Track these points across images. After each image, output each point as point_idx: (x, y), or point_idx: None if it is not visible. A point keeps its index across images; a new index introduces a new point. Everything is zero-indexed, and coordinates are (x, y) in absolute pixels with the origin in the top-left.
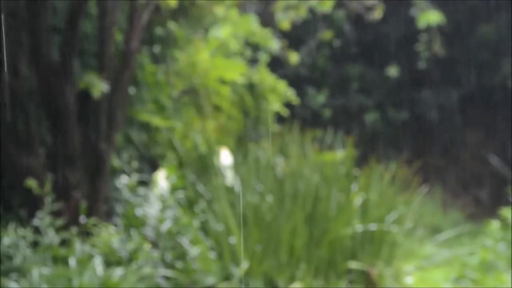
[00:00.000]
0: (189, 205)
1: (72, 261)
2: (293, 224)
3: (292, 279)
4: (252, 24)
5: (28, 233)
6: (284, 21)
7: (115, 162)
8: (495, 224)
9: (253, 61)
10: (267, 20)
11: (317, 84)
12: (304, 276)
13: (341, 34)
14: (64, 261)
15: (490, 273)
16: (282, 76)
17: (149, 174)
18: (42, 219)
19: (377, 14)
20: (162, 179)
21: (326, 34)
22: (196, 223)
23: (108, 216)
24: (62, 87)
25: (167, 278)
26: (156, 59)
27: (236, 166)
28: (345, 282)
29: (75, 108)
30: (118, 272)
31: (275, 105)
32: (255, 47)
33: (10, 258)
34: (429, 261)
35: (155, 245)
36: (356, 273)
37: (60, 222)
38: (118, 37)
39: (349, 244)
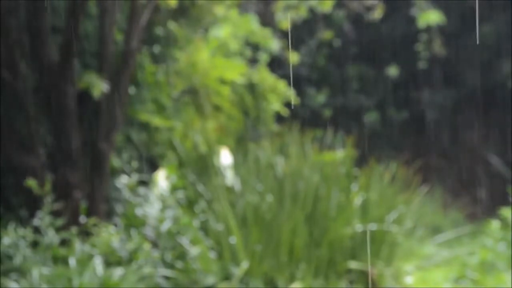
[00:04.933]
0: (189, 205)
1: (72, 261)
2: (293, 224)
3: (292, 279)
4: (252, 24)
5: (28, 233)
6: (284, 21)
7: (115, 162)
8: (495, 224)
9: (253, 61)
10: (267, 20)
11: (317, 84)
12: (304, 276)
13: (341, 34)
14: (64, 261)
15: (490, 273)
16: (282, 76)
17: (149, 174)
18: (42, 219)
19: (377, 14)
20: (162, 179)
21: (326, 34)
22: (196, 223)
23: (108, 216)
24: (62, 87)
25: (167, 278)
26: (156, 59)
27: (236, 166)
28: (345, 282)
29: (75, 108)
30: (118, 272)
31: (275, 105)
32: (255, 47)
33: (10, 258)
34: (429, 261)
35: (155, 245)
36: (356, 273)
37: (60, 222)
38: (118, 37)
39: (349, 244)
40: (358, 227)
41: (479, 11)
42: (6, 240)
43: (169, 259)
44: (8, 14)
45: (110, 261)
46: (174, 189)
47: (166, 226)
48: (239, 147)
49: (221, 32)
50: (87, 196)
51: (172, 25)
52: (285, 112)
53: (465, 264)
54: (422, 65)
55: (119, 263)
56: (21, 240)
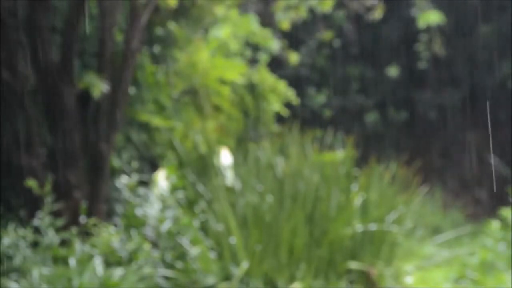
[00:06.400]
0: (189, 205)
1: (72, 261)
2: (293, 224)
3: (292, 279)
4: (252, 24)
5: (28, 233)
6: (284, 21)
7: (115, 162)
8: (495, 224)
9: (253, 61)
10: (267, 20)
11: (317, 84)
12: (304, 276)
13: (341, 34)
14: (64, 261)
15: (490, 273)
16: (282, 76)
17: (149, 174)
18: (42, 219)
19: (377, 14)
20: (162, 179)
21: (326, 34)
22: (196, 223)
23: (108, 216)
24: (62, 87)
25: (167, 278)
26: (156, 59)
27: (236, 166)
28: (345, 282)
29: (75, 108)
30: (118, 272)
31: (275, 105)
32: (255, 47)
33: (10, 258)
34: (429, 261)
35: (155, 245)
36: (356, 273)
37: (60, 222)
38: (118, 37)
39: (349, 244)
40: (358, 227)
41: (479, 11)
42: (6, 240)
43: (169, 259)
44: (8, 14)
45: (110, 261)
46: (174, 189)
47: (166, 226)
48: (239, 147)
49: (221, 32)
50: (87, 196)
51: (172, 25)
52: (285, 112)
53: (465, 264)
54: (422, 65)
55: (119, 263)
56: (21, 240)
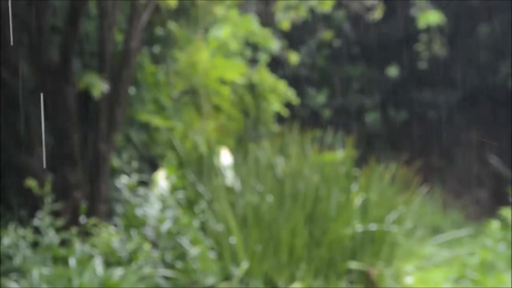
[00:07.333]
0: (189, 205)
1: (72, 261)
2: (293, 224)
3: (292, 279)
4: (252, 24)
5: (28, 233)
6: (284, 21)
7: (115, 162)
8: (495, 224)
9: (253, 61)
10: (267, 20)
11: (317, 84)
12: (304, 276)
13: (341, 34)
14: (64, 261)
15: (490, 273)
16: (282, 76)
17: (149, 174)
18: (42, 219)
19: (377, 14)
20: (162, 179)
21: (326, 34)
22: (196, 223)
23: (108, 216)
24: (62, 87)
25: (167, 278)
26: (156, 59)
27: (236, 166)
28: (345, 282)
29: (75, 108)
30: (118, 272)
31: (275, 105)
32: (255, 47)
33: (10, 258)
34: (429, 261)
35: (155, 245)
36: (356, 273)
37: (60, 222)
38: (118, 37)
39: (349, 244)
40: (358, 227)
41: (479, 11)
42: (6, 240)
43: (169, 259)
44: (8, 14)
45: (110, 261)
46: (174, 189)
47: (166, 226)
48: (239, 147)
49: (221, 32)
50: (87, 196)
51: (172, 25)
52: (285, 112)
53: (465, 264)
54: (422, 65)
55: (119, 263)
56: (21, 240)
